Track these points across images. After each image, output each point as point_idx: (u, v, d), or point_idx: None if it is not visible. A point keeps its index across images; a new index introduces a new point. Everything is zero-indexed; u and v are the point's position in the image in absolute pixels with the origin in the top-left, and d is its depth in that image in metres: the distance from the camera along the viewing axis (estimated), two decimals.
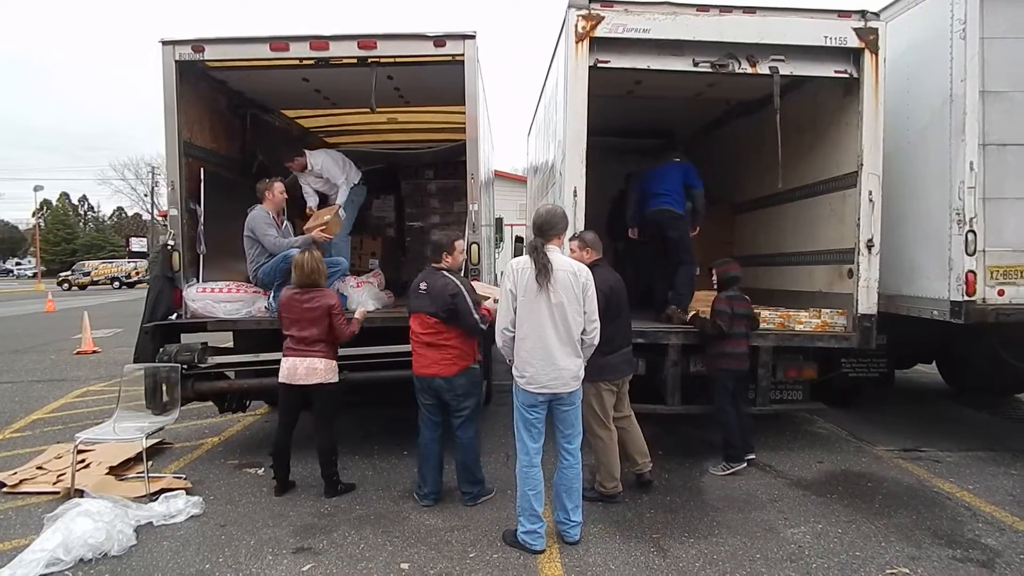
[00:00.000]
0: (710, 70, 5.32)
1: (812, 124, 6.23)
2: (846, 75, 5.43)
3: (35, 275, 52.41)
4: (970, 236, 5.23)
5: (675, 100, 6.96)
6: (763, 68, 5.36)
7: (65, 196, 68.31)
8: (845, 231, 5.69)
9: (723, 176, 8.14)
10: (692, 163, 6.68)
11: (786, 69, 5.38)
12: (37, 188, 54.07)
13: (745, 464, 5.37)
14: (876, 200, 5.41)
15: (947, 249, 5.34)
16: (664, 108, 7.50)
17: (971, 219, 5.23)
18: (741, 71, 5.34)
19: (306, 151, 6.95)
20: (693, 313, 5.77)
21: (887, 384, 7.16)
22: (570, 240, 4.79)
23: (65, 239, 61.31)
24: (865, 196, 5.41)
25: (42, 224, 60.15)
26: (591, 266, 4.64)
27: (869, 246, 5.42)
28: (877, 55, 5.32)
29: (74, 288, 40.42)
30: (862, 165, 5.41)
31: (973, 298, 5.24)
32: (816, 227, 6.23)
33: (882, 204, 5.43)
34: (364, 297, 5.89)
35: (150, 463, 5.54)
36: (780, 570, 3.77)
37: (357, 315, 4.93)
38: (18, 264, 67.74)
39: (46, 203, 63.77)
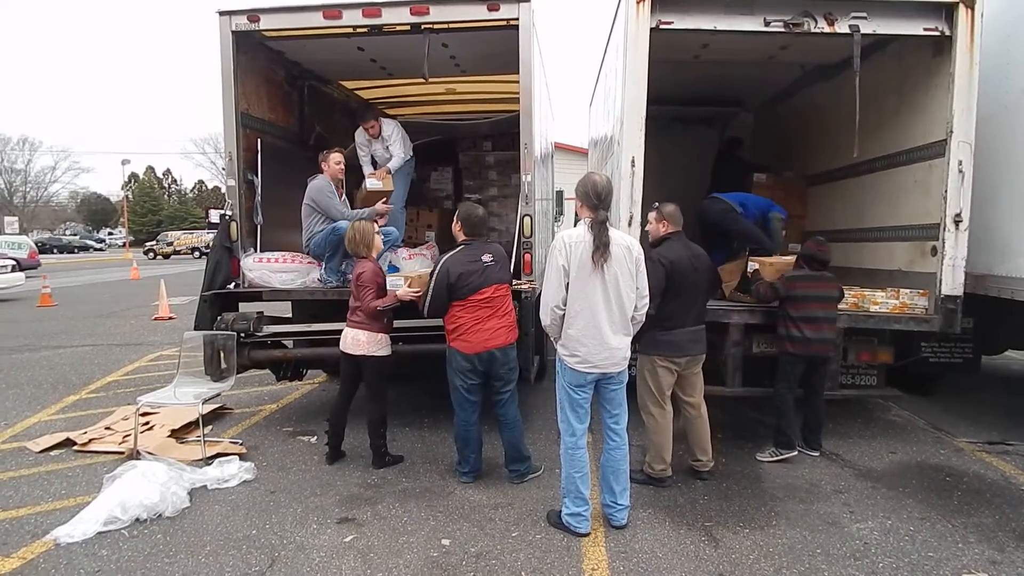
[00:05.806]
0: (783, 30, 4.92)
1: (896, 88, 5.72)
2: (937, 33, 4.92)
3: (124, 245, 55.56)
4: None
5: (745, 65, 6.54)
6: (842, 27, 4.92)
7: (151, 170, 71.86)
8: (930, 205, 5.21)
9: (796, 146, 7.68)
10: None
11: (868, 27, 4.92)
12: (125, 162, 57.44)
13: (796, 452, 5.07)
14: (967, 171, 4.92)
15: None
16: (733, 75, 7.07)
17: None
18: (817, 30, 4.92)
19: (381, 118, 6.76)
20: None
21: (972, 371, 6.63)
22: (650, 211, 4.74)
23: (151, 211, 64.54)
24: (954, 166, 4.93)
25: (130, 196, 63.50)
26: (664, 239, 4.56)
27: (957, 221, 4.95)
28: (973, 9, 4.79)
29: (158, 257, 42.65)
30: (952, 132, 4.93)
31: None
32: (897, 200, 5.75)
33: (972, 175, 4.95)
34: (416, 269, 5.83)
35: (210, 428, 5.74)
36: (842, 567, 3.52)
37: (399, 293, 4.81)
38: (110, 234, 72.03)
39: (134, 176, 67.26)
